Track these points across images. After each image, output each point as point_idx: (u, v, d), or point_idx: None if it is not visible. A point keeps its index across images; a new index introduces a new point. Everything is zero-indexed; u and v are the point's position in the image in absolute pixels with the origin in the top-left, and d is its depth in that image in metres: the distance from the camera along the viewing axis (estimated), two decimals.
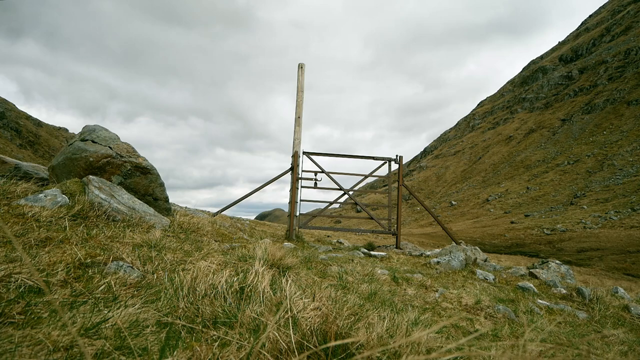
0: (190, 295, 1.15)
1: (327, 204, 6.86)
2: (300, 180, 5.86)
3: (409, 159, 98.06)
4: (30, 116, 61.29)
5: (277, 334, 0.85)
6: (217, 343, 0.89)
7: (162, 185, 3.40)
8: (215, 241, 3.03)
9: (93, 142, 3.15)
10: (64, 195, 2.30)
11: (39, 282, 1.07)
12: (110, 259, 1.47)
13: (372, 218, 6.55)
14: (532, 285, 3.17)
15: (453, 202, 54.84)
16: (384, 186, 4.95)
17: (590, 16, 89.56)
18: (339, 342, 0.43)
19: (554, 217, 34.40)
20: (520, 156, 57.79)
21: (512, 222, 35.47)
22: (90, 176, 2.65)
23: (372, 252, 4.52)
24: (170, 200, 3.53)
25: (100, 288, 1.17)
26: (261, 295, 1.21)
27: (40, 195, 2.19)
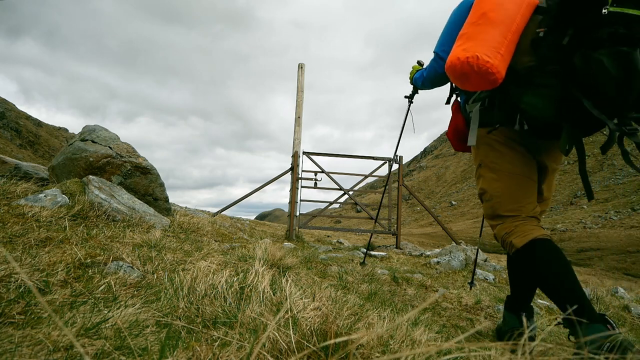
0: (190, 295, 1.15)
1: (327, 204, 6.86)
2: (300, 180, 5.86)
3: (409, 159, 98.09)
4: (30, 116, 61.28)
5: (277, 334, 0.85)
6: (217, 343, 0.89)
7: (162, 185, 3.40)
8: (215, 241, 3.03)
9: (93, 142, 3.15)
10: (64, 195, 2.30)
11: (38, 283, 1.07)
12: (110, 259, 1.47)
13: (372, 218, 6.56)
14: None
15: (453, 202, 54.87)
16: (384, 186, 4.99)
17: None
18: (339, 340, 0.43)
19: (554, 217, 34.41)
20: None
21: None
22: (90, 176, 2.66)
23: (372, 252, 4.52)
24: (170, 200, 3.53)
25: (100, 288, 1.17)
26: (261, 295, 1.21)
27: (40, 195, 2.19)
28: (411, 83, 2.21)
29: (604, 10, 1.20)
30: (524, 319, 1.61)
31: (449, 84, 1.81)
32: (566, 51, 1.29)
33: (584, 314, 1.26)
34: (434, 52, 1.78)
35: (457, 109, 1.77)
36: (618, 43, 1.19)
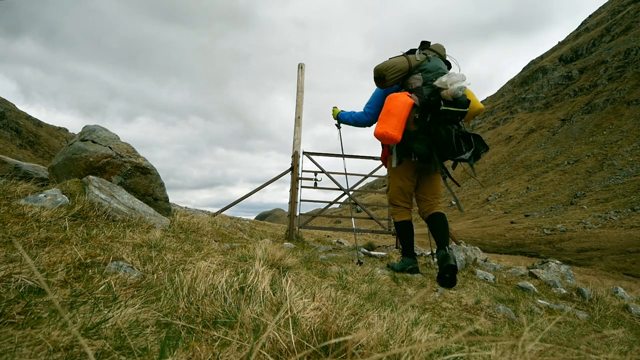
0: (190, 295, 1.15)
1: (327, 204, 6.85)
2: (300, 180, 5.85)
3: None
4: (30, 116, 61.29)
5: (277, 334, 0.86)
6: (217, 343, 0.89)
7: (162, 185, 3.40)
8: (215, 241, 3.03)
9: (93, 142, 3.15)
10: (64, 196, 2.30)
11: (38, 283, 1.07)
12: (110, 259, 1.47)
13: (372, 218, 6.55)
14: (532, 285, 3.17)
15: (453, 202, 54.86)
16: (384, 186, 5.01)
17: (590, 16, 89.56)
18: (339, 340, 0.43)
19: (554, 217, 34.39)
20: (520, 156, 57.80)
21: (512, 222, 35.47)
22: (90, 176, 2.66)
23: (372, 252, 4.52)
24: (170, 200, 3.53)
25: (100, 288, 1.17)
26: (261, 295, 1.21)
27: (40, 195, 2.19)
28: (335, 118, 3.75)
29: (441, 108, 2.74)
30: (416, 261, 3.26)
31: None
32: (429, 124, 2.84)
33: (407, 253, 3.28)
34: (364, 109, 3.42)
35: (386, 147, 3.32)
36: (447, 123, 2.76)
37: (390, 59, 3.00)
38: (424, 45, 3.10)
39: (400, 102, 2.79)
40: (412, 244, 3.27)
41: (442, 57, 3.11)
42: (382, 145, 3.36)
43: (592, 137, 49.84)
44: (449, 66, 3.11)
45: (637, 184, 34.31)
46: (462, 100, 2.77)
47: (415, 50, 3.06)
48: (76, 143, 3.14)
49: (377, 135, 2.86)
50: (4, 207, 1.90)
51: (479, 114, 3.09)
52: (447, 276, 2.75)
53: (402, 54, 3.05)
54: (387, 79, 2.95)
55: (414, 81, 2.94)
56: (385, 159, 3.41)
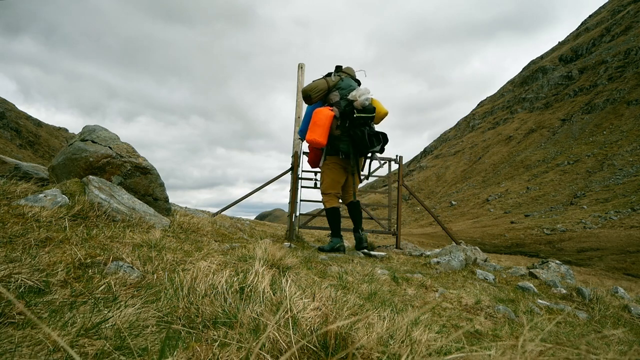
0: (190, 295, 1.15)
1: None
2: (300, 180, 5.86)
3: (409, 159, 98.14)
4: (30, 116, 61.29)
5: (277, 334, 0.86)
6: (217, 343, 0.89)
7: (162, 185, 3.40)
8: (215, 241, 3.03)
9: (93, 142, 3.15)
10: (64, 196, 2.30)
11: (38, 283, 1.07)
12: (110, 259, 1.47)
13: (372, 218, 6.55)
14: (532, 285, 3.17)
15: (453, 202, 54.86)
16: (384, 186, 4.97)
17: (590, 16, 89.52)
18: (338, 342, 0.43)
19: (554, 217, 34.38)
20: (520, 156, 57.77)
21: (512, 222, 35.46)
22: (90, 176, 2.65)
23: (372, 252, 4.52)
24: (170, 200, 3.53)
25: (100, 288, 1.17)
26: (261, 295, 1.21)
27: (40, 195, 2.19)
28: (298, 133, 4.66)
29: (354, 115, 3.77)
30: (342, 239, 4.08)
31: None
32: (348, 129, 3.85)
33: (336, 234, 4.09)
34: (300, 127, 4.36)
35: (315, 151, 4.33)
36: (361, 126, 3.80)
37: (313, 81, 3.97)
38: (338, 69, 4.12)
39: (324, 115, 3.70)
40: (340, 226, 4.16)
41: (353, 77, 4.11)
42: (310, 149, 4.40)
43: (592, 137, 49.83)
44: (359, 83, 4.11)
45: (637, 184, 34.30)
46: (369, 108, 3.75)
47: (332, 73, 4.07)
48: (76, 143, 3.14)
49: (308, 141, 3.77)
50: (4, 207, 1.90)
51: (385, 116, 4.02)
52: (363, 250, 4.13)
53: (322, 77, 4.02)
54: (312, 97, 3.89)
55: (333, 97, 3.92)
56: (315, 160, 4.43)
